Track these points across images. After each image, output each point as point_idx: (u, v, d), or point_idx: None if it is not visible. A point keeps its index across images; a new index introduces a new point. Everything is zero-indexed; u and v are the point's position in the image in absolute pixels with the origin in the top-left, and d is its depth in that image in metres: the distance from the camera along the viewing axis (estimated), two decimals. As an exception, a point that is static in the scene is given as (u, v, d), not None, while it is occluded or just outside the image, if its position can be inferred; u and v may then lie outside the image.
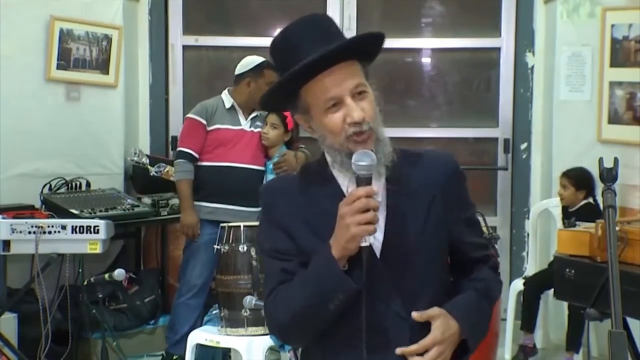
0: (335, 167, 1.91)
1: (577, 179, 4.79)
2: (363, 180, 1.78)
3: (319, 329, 1.88)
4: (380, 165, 1.85)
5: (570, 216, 4.67)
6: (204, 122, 4.61)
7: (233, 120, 4.67)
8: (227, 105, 4.67)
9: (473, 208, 2.04)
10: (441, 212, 1.92)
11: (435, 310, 1.84)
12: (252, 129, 4.70)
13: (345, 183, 1.90)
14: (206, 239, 4.53)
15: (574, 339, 4.65)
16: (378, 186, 1.85)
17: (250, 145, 4.67)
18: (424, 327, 1.85)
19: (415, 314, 1.83)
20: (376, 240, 1.85)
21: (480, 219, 4.26)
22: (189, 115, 4.70)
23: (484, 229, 4.28)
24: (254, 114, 4.73)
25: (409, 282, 1.86)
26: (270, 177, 4.68)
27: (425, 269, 1.88)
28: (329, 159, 1.93)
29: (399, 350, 1.81)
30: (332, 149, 1.88)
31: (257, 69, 4.69)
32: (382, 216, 1.86)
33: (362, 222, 1.73)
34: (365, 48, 1.90)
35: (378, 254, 1.86)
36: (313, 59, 1.79)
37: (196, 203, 4.62)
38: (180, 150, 4.64)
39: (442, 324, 1.83)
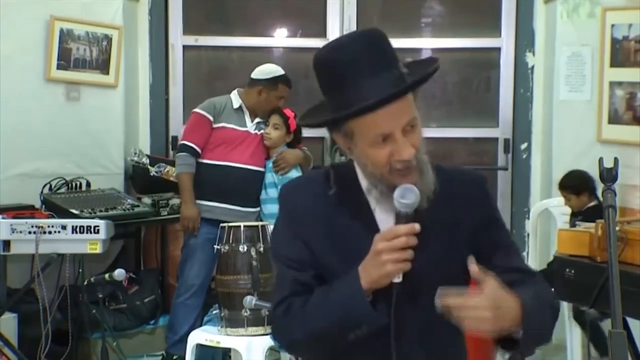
0: (372, 193, 1.81)
1: (572, 185, 4.74)
2: (404, 218, 1.70)
3: (332, 352, 1.82)
4: (423, 201, 1.74)
5: (577, 216, 4.66)
6: (211, 118, 4.62)
7: (240, 120, 4.67)
8: (235, 106, 4.67)
9: (505, 230, 1.92)
10: (466, 236, 1.82)
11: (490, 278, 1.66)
12: (256, 131, 4.71)
13: (378, 210, 1.81)
14: (204, 238, 4.53)
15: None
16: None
17: (253, 146, 4.68)
18: (441, 353, 1.82)
19: (472, 268, 1.65)
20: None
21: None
22: (196, 110, 4.69)
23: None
24: (259, 119, 4.74)
25: (427, 310, 1.72)
26: (268, 175, 4.68)
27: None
28: (364, 183, 1.82)
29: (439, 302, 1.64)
30: (372, 177, 1.78)
31: (273, 81, 4.68)
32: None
33: (399, 260, 1.67)
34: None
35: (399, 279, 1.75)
36: (388, 95, 1.66)
37: (196, 201, 4.61)
38: (183, 144, 4.64)
39: (496, 287, 1.64)
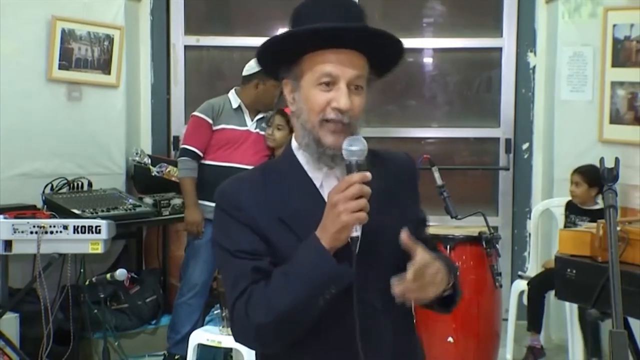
0: (299, 151, 1.85)
1: (590, 175, 4.71)
2: (355, 167, 1.71)
3: (300, 331, 1.76)
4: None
5: (584, 214, 4.65)
6: (210, 121, 4.62)
7: (239, 120, 4.68)
8: (234, 105, 4.68)
9: (422, 209, 2.02)
10: (406, 209, 1.89)
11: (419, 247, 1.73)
12: (257, 130, 4.72)
13: (317, 177, 1.83)
14: (207, 238, 4.53)
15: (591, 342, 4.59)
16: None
17: (255, 146, 4.69)
18: (405, 323, 1.84)
19: (403, 236, 1.72)
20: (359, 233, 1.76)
21: (482, 218, 4.29)
22: (195, 113, 4.70)
23: (486, 228, 4.28)
24: (259, 116, 4.74)
25: (386, 276, 1.74)
26: None
27: (399, 264, 1.75)
28: (294, 145, 1.87)
29: (397, 289, 1.68)
30: (303, 128, 1.81)
31: None
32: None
33: (355, 210, 1.66)
34: (380, 54, 1.84)
35: (356, 247, 1.76)
36: (334, 25, 1.75)
37: (199, 202, 4.62)
38: (185, 148, 4.65)
39: (425, 255, 1.71)
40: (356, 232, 1.70)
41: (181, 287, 4.72)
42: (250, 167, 4.65)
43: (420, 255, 1.70)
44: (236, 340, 1.85)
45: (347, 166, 1.73)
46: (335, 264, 1.70)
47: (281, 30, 1.93)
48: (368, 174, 1.70)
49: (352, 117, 1.79)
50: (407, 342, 1.91)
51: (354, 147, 1.73)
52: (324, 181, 1.84)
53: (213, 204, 4.99)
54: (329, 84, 1.78)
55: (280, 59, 1.86)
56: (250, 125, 4.70)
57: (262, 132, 4.73)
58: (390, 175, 1.89)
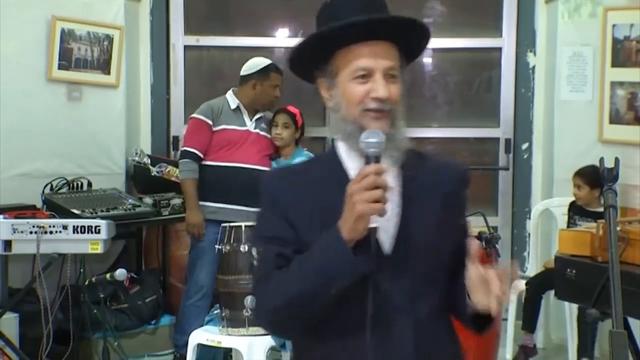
0: (340, 146, 1.87)
1: (591, 177, 4.69)
2: (371, 158, 1.73)
3: (312, 318, 1.79)
4: (394, 150, 1.80)
5: (589, 215, 4.65)
6: (210, 122, 4.63)
7: (239, 120, 4.69)
8: (233, 106, 4.69)
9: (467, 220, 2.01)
10: (450, 214, 1.89)
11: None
12: (257, 130, 4.73)
13: (353, 167, 1.83)
14: (212, 238, 4.53)
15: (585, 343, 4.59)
16: (393, 174, 1.82)
17: (256, 145, 4.70)
18: (429, 324, 1.82)
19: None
20: (388, 227, 1.79)
21: (482, 218, 4.29)
22: (195, 115, 4.70)
23: (485, 228, 4.28)
24: (258, 115, 4.75)
25: (416, 277, 1.80)
26: None
27: (435, 266, 1.83)
28: (343, 155, 1.88)
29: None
30: (343, 120, 1.84)
31: (264, 71, 4.71)
32: (396, 205, 1.81)
33: (370, 200, 1.67)
34: (409, 41, 1.88)
35: (389, 242, 1.80)
36: (362, 19, 1.79)
37: (201, 203, 4.63)
38: (185, 150, 4.66)
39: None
40: (374, 224, 1.71)
41: (188, 289, 4.72)
42: (252, 167, 4.71)
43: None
44: (257, 324, 1.92)
45: (365, 158, 1.75)
46: (350, 253, 1.71)
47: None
48: (384, 166, 1.72)
49: (393, 103, 1.82)
50: (434, 344, 1.87)
51: (371, 139, 1.74)
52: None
53: (215, 205, 4.99)
54: (365, 77, 1.82)
55: (312, 60, 1.89)
56: (250, 125, 4.71)
57: (262, 132, 4.74)
58: (436, 180, 1.90)
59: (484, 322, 1.83)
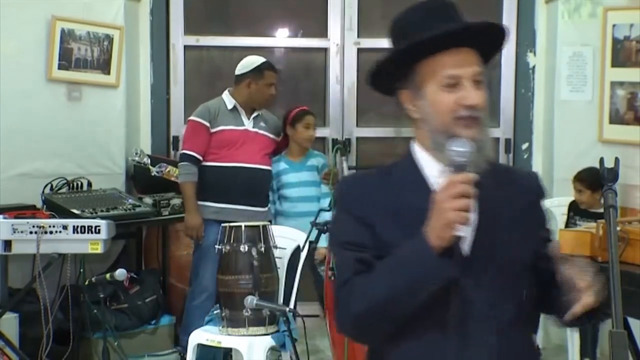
0: (424, 156, 1.89)
1: (591, 180, 4.67)
2: (460, 167, 1.74)
3: (396, 323, 1.81)
4: (480, 158, 1.80)
5: (591, 216, 4.64)
6: (207, 124, 4.64)
7: (237, 120, 4.70)
8: (230, 106, 4.69)
9: (549, 230, 2.01)
10: (528, 226, 1.90)
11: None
12: (255, 129, 4.74)
13: (433, 173, 1.85)
14: (214, 239, 4.53)
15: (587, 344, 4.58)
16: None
17: (256, 145, 4.71)
18: (510, 333, 1.83)
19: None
20: (466, 235, 1.79)
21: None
22: (192, 117, 4.71)
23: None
24: (255, 114, 4.75)
25: (495, 286, 1.81)
26: (323, 186, 4.84)
27: (513, 276, 1.84)
28: (417, 148, 1.90)
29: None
30: (432, 131, 1.83)
31: (258, 70, 4.72)
32: (474, 213, 1.80)
33: (458, 209, 1.69)
34: (488, 44, 1.89)
35: (468, 250, 1.81)
36: (445, 30, 1.80)
37: (203, 203, 4.63)
38: (184, 153, 4.67)
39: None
40: (461, 233, 1.72)
41: (192, 290, 4.72)
42: (253, 166, 4.71)
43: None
44: (338, 331, 1.91)
45: (453, 168, 1.75)
46: (437, 259, 1.72)
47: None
48: (472, 175, 1.73)
49: (482, 109, 1.83)
50: (515, 353, 1.88)
51: (459, 148, 1.75)
52: (441, 176, 1.84)
53: (217, 205, 4.99)
54: (453, 85, 1.82)
55: (393, 74, 1.90)
56: (248, 124, 4.72)
57: (261, 131, 4.74)
58: (515, 192, 1.92)
59: (588, 316, 1.82)
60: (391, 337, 1.85)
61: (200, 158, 4.64)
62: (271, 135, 4.84)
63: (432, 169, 1.87)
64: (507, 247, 1.83)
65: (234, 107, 4.70)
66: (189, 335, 4.54)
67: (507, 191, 1.89)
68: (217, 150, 4.65)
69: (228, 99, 4.71)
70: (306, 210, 4.65)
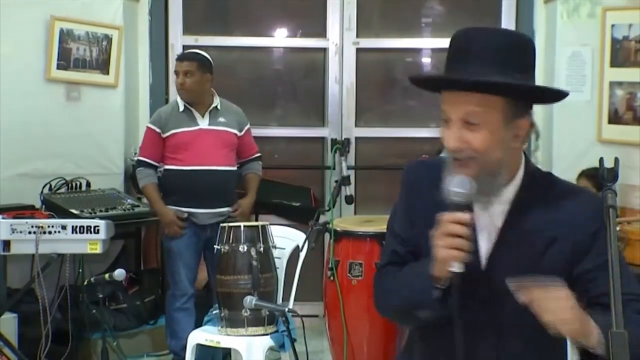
0: None
1: (597, 179, 4.68)
2: (452, 207, 1.72)
3: (413, 324, 1.98)
4: (484, 196, 1.78)
5: None
6: (159, 130, 4.56)
7: (190, 121, 4.57)
8: (181, 108, 4.58)
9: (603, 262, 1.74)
10: (562, 257, 1.82)
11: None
12: (212, 126, 4.59)
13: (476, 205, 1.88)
14: (185, 241, 4.52)
15: None
16: (497, 210, 1.82)
17: (215, 143, 4.57)
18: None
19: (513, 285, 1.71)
20: (478, 260, 1.81)
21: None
22: (148, 124, 4.69)
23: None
24: (210, 109, 4.61)
25: (505, 317, 1.80)
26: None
27: (526, 307, 1.70)
28: None
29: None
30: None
31: (176, 64, 4.70)
32: (489, 242, 1.82)
33: (448, 247, 1.70)
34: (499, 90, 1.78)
35: (485, 263, 1.82)
36: (433, 76, 1.93)
37: (173, 208, 4.54)
38: (138, 160, 4.65)
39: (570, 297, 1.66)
40: (455, 268, 1.72)
41: (172, 294, 4.60)
42: (211, 168, 4.60)
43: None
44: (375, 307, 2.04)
45: (448, 204, 1.74)
46: (430, 289, 1.77)
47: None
48: (465, 216, 1.72)
49: (474, 152, 1.76)
50: None
51: (454, 188, 1.74)
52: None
53: (180, 208, 4.88)
54: (447, 121, 1.81)
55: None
56: (202, 122, 4.57)
57: (219, 127, 4.59)
58: (557, 217, 1.83)
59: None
60: (419, 328, 1.96)
61: (155, 164, 4.59)
62: (232, 130, 4.64)
63: None
64: (521, 275, 1.73)
65: (185, 107, 4.59)
66: (178, 339, 4.52)
67: (541, 220, 1.81)
68: (173, 154, 4.55)
69: (179, 101, 4.61)
70: None
